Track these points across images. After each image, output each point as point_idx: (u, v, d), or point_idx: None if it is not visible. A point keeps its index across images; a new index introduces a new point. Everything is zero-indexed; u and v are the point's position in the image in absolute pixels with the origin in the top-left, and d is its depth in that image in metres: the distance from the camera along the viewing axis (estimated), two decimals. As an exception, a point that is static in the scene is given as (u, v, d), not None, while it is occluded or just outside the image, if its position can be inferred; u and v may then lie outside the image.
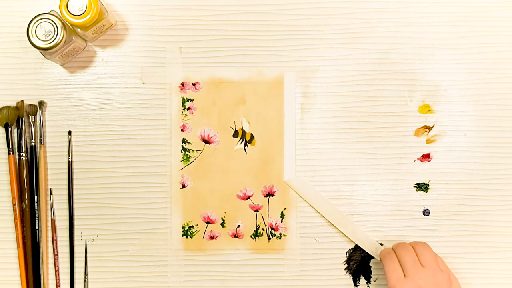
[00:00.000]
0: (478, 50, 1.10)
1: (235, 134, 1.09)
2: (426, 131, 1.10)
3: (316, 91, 1.10)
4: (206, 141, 1.09)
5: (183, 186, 1.09)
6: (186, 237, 1.10)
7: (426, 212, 1.10)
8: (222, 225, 1.10)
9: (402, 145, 1.10)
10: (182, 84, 1.09)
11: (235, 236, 1.10)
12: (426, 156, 1.10)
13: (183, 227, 1.09)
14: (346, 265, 1.10)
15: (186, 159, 1.09)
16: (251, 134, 1.09)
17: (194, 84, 1.09)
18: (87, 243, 1.09)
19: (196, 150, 1.09)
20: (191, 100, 1.09)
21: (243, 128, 1.09)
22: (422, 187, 1.10)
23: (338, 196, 1.10)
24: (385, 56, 1.10)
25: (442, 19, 1.10)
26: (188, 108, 1.09)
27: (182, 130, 1.09)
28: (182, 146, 1.09)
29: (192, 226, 1.10)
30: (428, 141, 1.10)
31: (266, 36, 1.10)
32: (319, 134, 1.10)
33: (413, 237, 1.10)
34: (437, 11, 1.10)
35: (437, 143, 1.10)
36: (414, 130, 1.10)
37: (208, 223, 1.10)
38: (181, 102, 1.09)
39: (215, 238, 1.10)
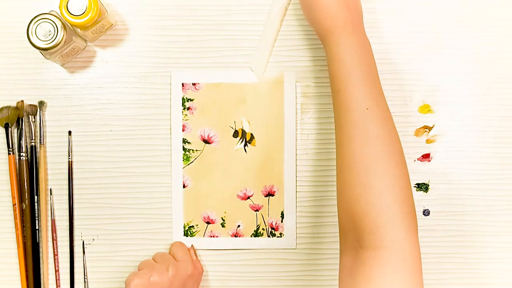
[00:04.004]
0: (478, 50, 1.10)
1: (235, 134, 1.09)
2: (426, 131, 1.10)
3: (316, 91, 1.10)
4: (206, 141, 1.09)
5: (183, 186, 1.09)
6: (187, 237, 1.10)
7: (426, 212, 1.10)
8: (222, 225, 1.10)
9: (402, 145, 1.09)
10: (182, 84, 1.09)
11: (235, 236, 1.10)
12: (426, 156, 1.10)
13: (184, 227, 1.09)
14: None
15: (186, 159, 1.09)
16: (251, 134, 1.09)
17: (194, 84, 1.09)
18: (84, 243, 1.09)
19: (196, 150, 1.09)
20: (191, 100, 1.09)
21: (243, 128, 1.09)
22: (422, 187, 1.10)
23: (338, 196, 1.10)
24: (385, 56, 1.10)
25: (442, 19, 1.10)
26: (188, 108, 1.09)
27: (182, 130, 1.09)
28: (182, 146, 1.09)
29: (192, 226, 1.10)
30: (428, 141, 1.10)
31: (266, 36, 1.10)
32: (319, 134, 1.10)
33: (413, 237, 1.10)
34: (437, 11, 1.10)
35: (437, 143, 1.10)
36: (414, 130, 1.10)
37: (208, 223, 1.10)
38: (181, 102, 1.09)
39: (215, 238, 1.10)
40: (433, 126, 1.10)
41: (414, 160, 1.10)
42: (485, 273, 1.11)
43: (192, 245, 1.09)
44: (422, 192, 1.10)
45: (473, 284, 1.11)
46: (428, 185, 1.10)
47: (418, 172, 1.10)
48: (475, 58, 1.10)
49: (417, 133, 1.10)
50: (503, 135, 1.10)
